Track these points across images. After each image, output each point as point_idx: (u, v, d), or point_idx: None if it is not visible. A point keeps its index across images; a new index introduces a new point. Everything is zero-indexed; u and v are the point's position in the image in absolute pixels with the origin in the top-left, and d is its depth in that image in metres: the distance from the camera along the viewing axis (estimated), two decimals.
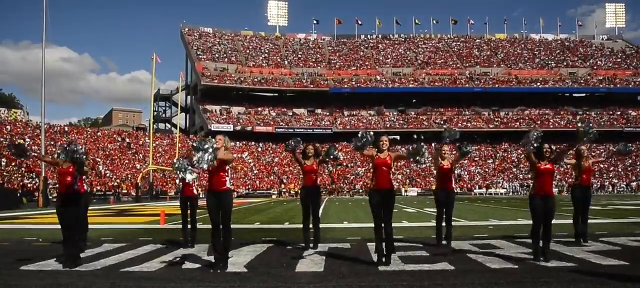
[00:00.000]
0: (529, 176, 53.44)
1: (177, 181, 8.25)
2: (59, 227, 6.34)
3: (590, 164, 8.04)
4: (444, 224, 7.69)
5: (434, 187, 43.08)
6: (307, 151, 7.46)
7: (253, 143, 61.90)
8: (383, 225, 5.88)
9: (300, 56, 75.58)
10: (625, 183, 53.29)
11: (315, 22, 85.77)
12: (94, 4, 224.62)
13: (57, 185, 6.45)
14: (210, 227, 5.86)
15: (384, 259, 5.87)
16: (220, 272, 5.50)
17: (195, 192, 8.05)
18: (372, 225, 6.04)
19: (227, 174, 5.74)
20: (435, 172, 8.18)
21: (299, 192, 7.88)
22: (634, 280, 4.98)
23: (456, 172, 7.75)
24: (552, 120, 64.64)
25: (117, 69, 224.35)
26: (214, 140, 5.53)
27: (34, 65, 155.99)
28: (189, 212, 8.01)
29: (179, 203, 8.40)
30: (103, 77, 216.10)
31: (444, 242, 7.65)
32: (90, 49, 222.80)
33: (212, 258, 6.10)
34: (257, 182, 52.36)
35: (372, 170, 6.14)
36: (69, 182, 6.22)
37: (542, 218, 6.03)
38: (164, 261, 6.36)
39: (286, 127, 63.15)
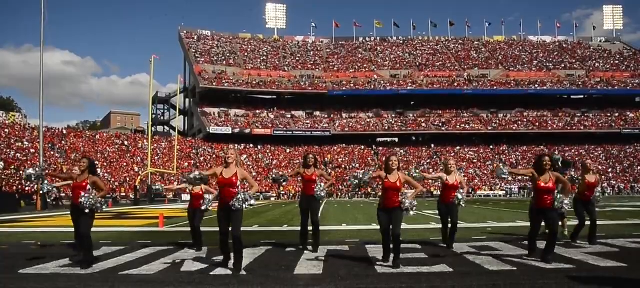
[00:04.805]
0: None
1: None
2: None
3: (596, 180, 7.93)
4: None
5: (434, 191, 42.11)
6: (308, 160, 7.41)
7: (251, 145, 61.91)
8: (391, 227, 5.92)
9: (298, 58, 75.62)
10: (622, 184, 53.37)
11: (313, 24, 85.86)
12: (96, 6, 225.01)
13: (72, 196, 6.76)
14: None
15: (389, 258, 5.96)
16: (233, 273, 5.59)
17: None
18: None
19: (237, 190, 5.68)
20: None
21: (299, 197, 7.80)
22: (632, 281, 4.99)
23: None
24: (549, 122, 64.75)
25: (119, 71, 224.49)
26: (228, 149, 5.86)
27: (35, 69, 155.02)
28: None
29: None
30: (104, 80, 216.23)
31: (443, 245, 7.75)
32: (92, 52, 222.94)
33: (208, 261, 6.28)
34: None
35: (381, 189, 6.15)
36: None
37: (539, 228, 6.11)
38: (163, 264, 6.36)
39: (284, 129, 63.18)
